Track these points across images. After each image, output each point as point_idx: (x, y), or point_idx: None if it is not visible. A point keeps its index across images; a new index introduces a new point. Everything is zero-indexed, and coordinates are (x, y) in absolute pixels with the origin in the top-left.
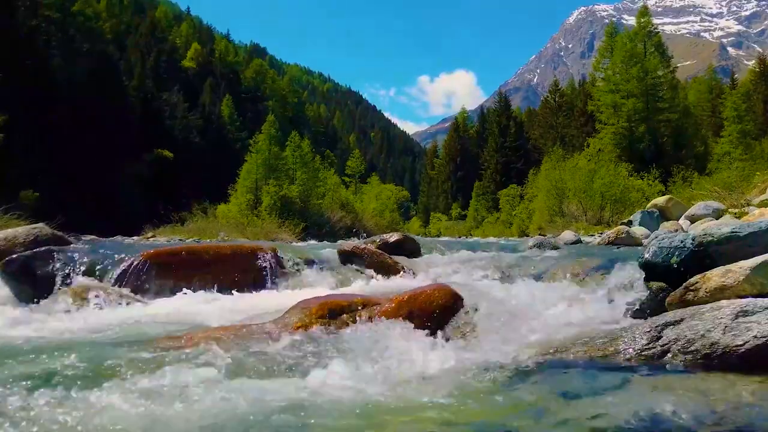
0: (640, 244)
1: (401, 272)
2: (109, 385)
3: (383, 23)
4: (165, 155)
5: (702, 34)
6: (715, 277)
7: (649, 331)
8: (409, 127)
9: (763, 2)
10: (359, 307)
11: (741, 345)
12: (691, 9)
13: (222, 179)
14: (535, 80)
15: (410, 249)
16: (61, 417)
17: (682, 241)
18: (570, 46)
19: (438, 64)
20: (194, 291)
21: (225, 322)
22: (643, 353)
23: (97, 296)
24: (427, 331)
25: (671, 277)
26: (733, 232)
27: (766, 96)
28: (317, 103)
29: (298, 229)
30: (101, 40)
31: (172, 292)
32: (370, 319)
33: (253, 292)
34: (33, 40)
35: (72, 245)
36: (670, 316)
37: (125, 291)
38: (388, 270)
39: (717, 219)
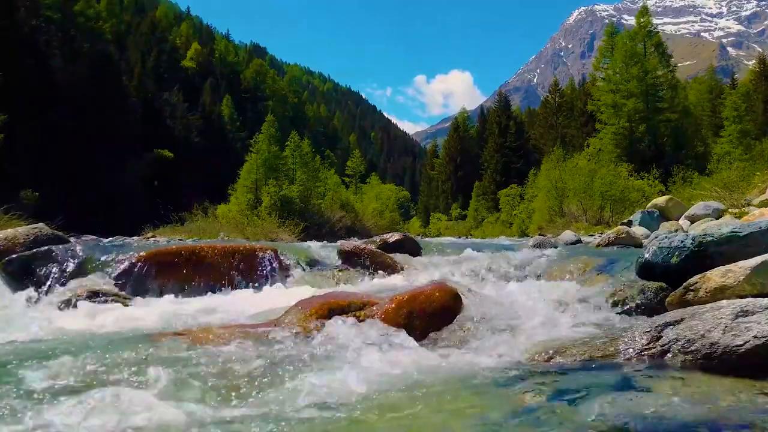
0: (640, 245)
1: (401, 272)
2: (108, 384)
3: (379, 23)
4: (165, 155)
5: (702, 34)
6: (715, 277)
7: (649, 331)
8: (408, 127)
9: (763, 2)
10: (359, 307)
11: (741, 345)
12: (691, 9)
13: (222, 179)
14: (535, 80)
15: (410, 249)
16: (61, 416)
17: (682, 242)
18: (570, 46)
19: (434, 64)
20: (194, 291)
21: (225, 322)
22: (643, 353)
23: (97, 296)
24: (426, 332)
25: (671, 277)
26: (733, 232)
27: (766, 96)
28: (317, 103)
29: (298, 229)
30: (101, 40)
31: (172, 291)
32: (369, 319)
33: (253, 291)
34: (33, 40)
35: (72, 245)
36: (670, 316)
37: (125, 291)
38: (388, 270)
39: (717, 219)
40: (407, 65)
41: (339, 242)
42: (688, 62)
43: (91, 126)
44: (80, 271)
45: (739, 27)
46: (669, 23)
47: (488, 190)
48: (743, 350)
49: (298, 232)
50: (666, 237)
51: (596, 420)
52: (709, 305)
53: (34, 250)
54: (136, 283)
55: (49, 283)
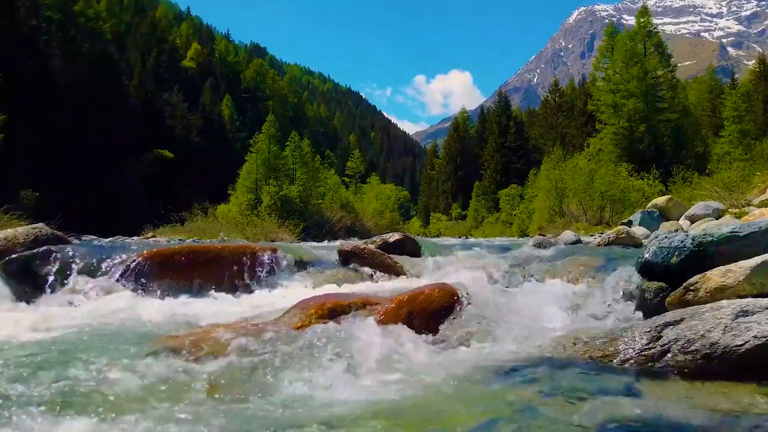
0: (640, 245)
1: (401, 272)
2: (108, 384)
3: (379, 23)
4: (165, 155)
5: (702, 34)
6: (715, 277)
7: (649, 331)
8: (408, 127)
9: (763, 2)
10: (359, 307)
11: (741, 345)
12: (691, 9)
13: (222, 179)
14: (535, 80)
15: (410, 249)
16: (61, 416)
17: (681, 241)
18: (570, 46)
19: (434, 64)
20: (194, 291)
21: (224, 322)
22: (643, 353)
23: (97, 296)
24: (426, 332)
25: (671, 277)
26: (733, 232)
27: (766, 96)
28: (317, 103)
29: (298, 229)
30: (101, 40)
31: (172, 291)
32: (369, 318)
33: (253, 292)
34: (33, 40)
35: (72, 245)
36: (670, 316)
37: (125, 291)
38: (388, 270)
39: (717, 219)
40: (407, 65)
41: (339, 242)
42: (688, 62)
43: (91, 126)
44: (80, 272)
45: (739, 27)
46: (669, 23)
47: (488, 190)
48: (743, 350)
49: (298, 232)
50: (666, 237)
51: (595, 420)
52: (709, 305)
53: (34, 250)
54: (136, 283)
55: (48, 283)
